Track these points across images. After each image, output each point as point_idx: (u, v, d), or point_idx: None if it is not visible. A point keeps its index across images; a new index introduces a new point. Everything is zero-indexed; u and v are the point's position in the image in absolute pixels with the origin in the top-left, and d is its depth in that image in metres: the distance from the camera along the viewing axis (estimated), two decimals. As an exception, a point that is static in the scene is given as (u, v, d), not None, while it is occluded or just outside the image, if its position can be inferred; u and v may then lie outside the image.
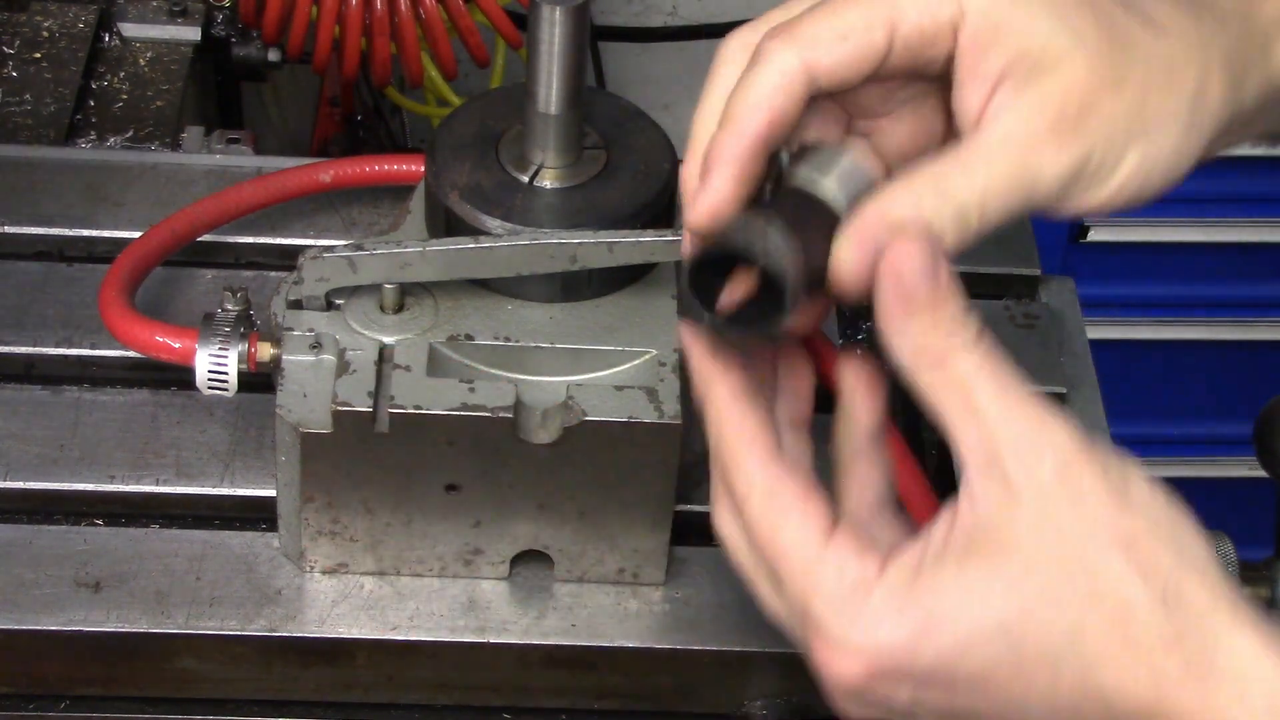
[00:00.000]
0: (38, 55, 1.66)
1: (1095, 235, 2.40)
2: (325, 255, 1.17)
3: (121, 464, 1.25)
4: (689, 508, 1.22)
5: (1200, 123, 1.02)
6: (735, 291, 0.98)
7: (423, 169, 1.24)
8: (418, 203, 1.24)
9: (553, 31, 1.15)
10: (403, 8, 1.77)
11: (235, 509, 1.25)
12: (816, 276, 0.98)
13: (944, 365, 0.95)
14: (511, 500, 1.17)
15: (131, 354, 1.26)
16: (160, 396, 1.29)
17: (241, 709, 1.21)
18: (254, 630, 1.19)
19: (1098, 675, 0.93)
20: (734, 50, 1.03)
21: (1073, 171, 0.99)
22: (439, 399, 1.14)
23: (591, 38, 2.08)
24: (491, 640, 1.19)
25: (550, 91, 1.18)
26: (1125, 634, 0.92)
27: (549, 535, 1.20)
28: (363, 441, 1.14)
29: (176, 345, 1.20)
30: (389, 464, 1.15)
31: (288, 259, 1.27)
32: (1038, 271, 1.42)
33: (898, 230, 0.97)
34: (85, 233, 1.38)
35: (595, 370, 1.18)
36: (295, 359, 1.17)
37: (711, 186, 1.00)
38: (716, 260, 0.98)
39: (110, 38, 1.70)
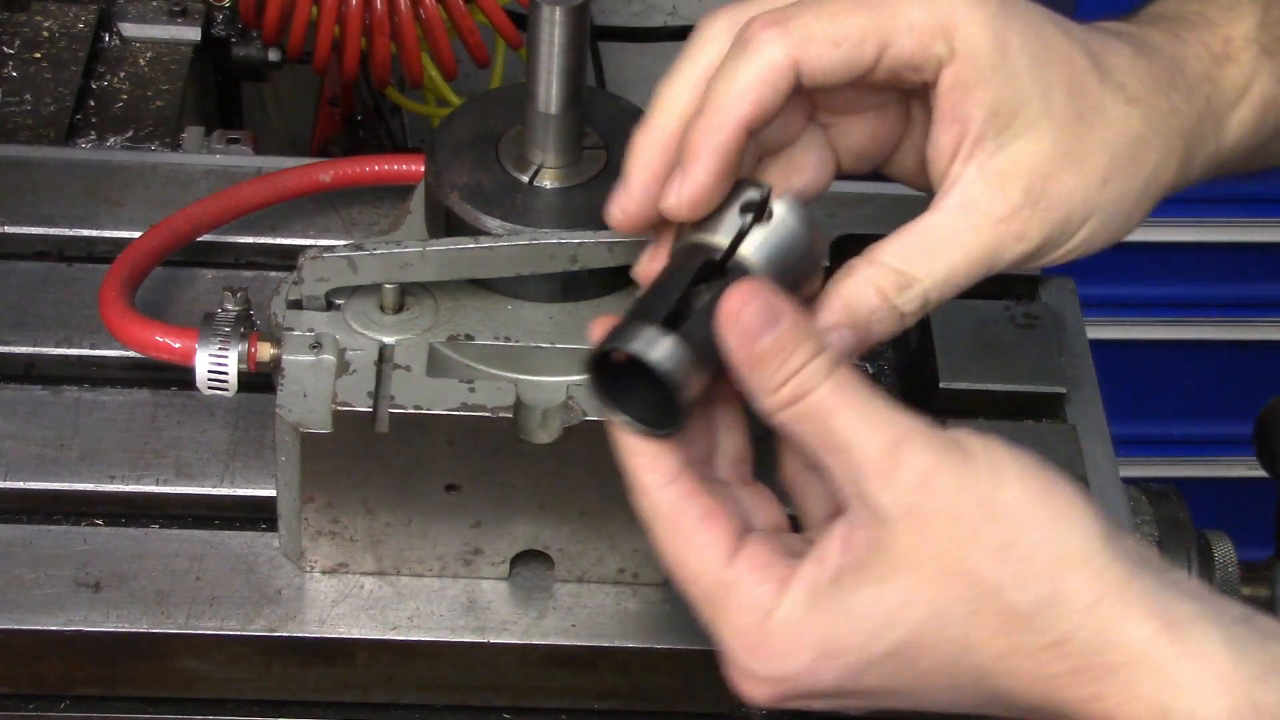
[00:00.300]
0: (38, 55, 1.66)
1: (1096, 236, 2.39)
2: (325, 255, 1.17)
3: (121, 464, 1.25)
4: (689, 508, 1.22)
5: (1151, 196, 1.06)
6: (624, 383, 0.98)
7: (423, 169, 1.24)
8: (418, 203, 1.24)
9: (553, 31, 1.15)
10: (403, 8, 1.76)
11: (235, 509, 1.25)
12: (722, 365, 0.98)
13: (798, 402, 0.96)
14: (511, 500, 1.17)
15: (131, 354, 1.26)
16: (160, 396, 1.29)
17: (241, 709, 1.21)
18: (254, 630, 1.19)
19: (992, 682, 0.95)
20: (719, 30, 1.03)
21: (1030, 254, 1.03)
22: (439, 399, 1.14)
23: (591, 38, 2.07)
24: (491, 640, 1.19)
25: (550, 91, 1.18)
26: (1010, 643, 0.94)
27: (549, 535, 1.20)
28: (363, 442, 1.14)
29: (176, 345, 1.20)
30: (389, 464, 1.15)
31: (288, 259, 1.27)
32: (1038, 271, 1.42)
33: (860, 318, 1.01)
34: (85, 233, 1.38)
35: (595, 370, 1.18)
36: (295, 359, 1.17)
37: (692, 176, 1.00)
38: (613, 361, 0.98)
39: (110, 38, 1.70)
